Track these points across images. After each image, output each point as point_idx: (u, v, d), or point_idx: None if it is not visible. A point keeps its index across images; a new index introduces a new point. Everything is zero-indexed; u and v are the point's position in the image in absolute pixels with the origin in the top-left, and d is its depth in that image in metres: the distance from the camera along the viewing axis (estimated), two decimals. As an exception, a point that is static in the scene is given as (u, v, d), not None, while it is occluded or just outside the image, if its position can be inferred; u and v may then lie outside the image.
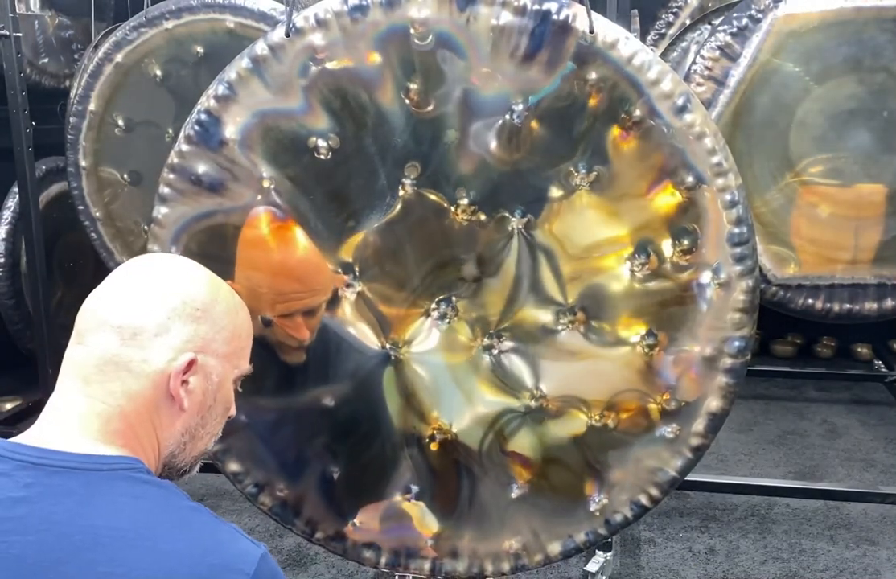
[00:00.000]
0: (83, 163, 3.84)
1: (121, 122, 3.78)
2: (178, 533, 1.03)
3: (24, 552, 0.98)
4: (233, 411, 1.29)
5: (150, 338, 1.14)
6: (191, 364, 1.16)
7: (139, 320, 1.15)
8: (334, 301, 1.76)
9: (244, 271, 1.72)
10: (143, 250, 1.75)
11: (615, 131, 1.63)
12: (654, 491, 1.78)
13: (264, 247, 1.73)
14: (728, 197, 1.63)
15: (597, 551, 2.89)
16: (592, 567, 2.87)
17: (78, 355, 1.15)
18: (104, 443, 1.10)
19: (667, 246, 1.67)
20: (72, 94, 4.16)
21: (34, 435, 1.10)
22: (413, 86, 1.64)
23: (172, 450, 1.20)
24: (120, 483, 1.06)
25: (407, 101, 1.65)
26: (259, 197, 1.70)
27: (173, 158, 1.70)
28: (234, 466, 1.85)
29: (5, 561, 0.97)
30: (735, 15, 3.22)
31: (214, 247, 1.72)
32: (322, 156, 1.68)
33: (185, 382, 1.16)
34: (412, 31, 1.60)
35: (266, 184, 1.69)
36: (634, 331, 1.71)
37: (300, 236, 1.73)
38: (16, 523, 0.99)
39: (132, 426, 1.13)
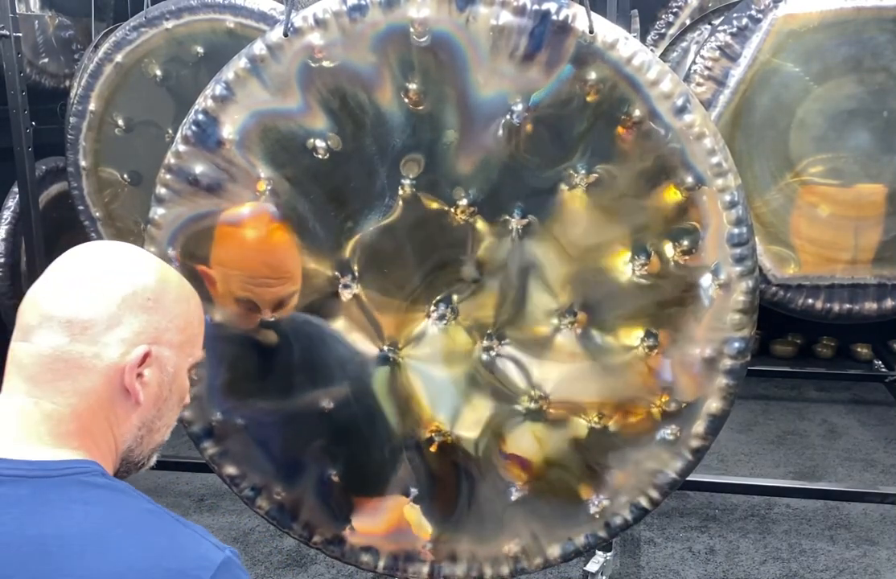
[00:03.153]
0: (83, 163, 3.84)
1: (121, 122, 3.78)
2: (132, 537, 0.99)
3: None
4: (187, 400, 1.25)
5: (101, 331, 1.09)
6: (146, 356, 1.12)
7: (89, 313, 1.09)
8: (332, 302, 1.76)
9: (216, 251, 1.72)
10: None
11: (615, 131, 1.62)
12: (654, 494, 1.77)
13: (238, 231, 1.72)
14: (728, 197, 1.63)
15: (597, 551, 2.89)
16: (592, 567, 2.86)
17: (23, 354, 1.09)
18: (55, 447, 1.06)
19: (667, 246, 1.67)
20: (72, 94, 4.16)
21: None
22: (412, 86, 1.63)
23: (129, 445, 1.16)
24: (71, 488, 1.01)
25: (406, 101, 1.64)
26: (257, 197, 1.70)
27: (170, 159, 1.70)
28: (230, 469, 1.84)
29: None
30: (735, 15, 3.22)
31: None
32: (321, 157, 1.68)
33: (140, 375, 1.12)
34: (411, 30, 1.60)
35: (264, 184, 1.69)
36: (634, 333, 1.71)
37: (274, 222, 1.72)
38: None
39: (85, 425, 1.09)
